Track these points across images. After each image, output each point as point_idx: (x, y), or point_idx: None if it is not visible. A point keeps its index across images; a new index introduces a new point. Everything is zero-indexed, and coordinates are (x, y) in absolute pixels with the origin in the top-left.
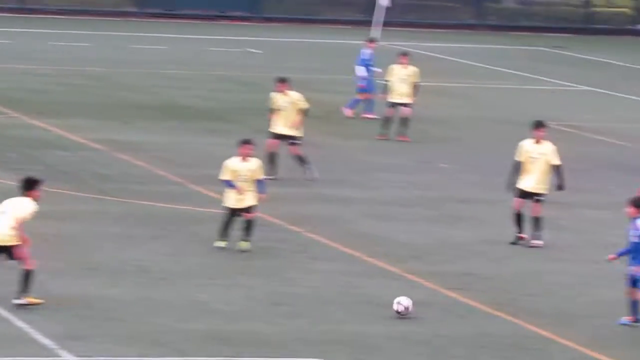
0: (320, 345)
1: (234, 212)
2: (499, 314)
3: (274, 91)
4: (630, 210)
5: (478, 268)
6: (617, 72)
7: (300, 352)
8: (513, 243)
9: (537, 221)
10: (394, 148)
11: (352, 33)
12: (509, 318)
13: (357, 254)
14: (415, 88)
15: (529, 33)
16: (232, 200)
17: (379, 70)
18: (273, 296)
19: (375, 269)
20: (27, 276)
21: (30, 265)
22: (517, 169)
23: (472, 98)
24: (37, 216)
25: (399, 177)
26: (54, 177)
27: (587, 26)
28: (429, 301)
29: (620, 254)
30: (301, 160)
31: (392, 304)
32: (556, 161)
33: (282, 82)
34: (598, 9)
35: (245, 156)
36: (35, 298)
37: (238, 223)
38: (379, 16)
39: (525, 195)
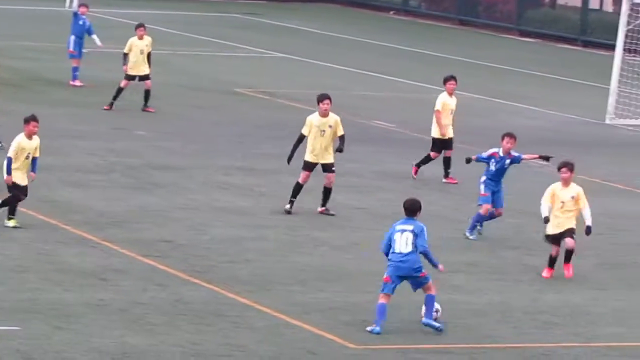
0: (17, 314)
1: None
2: (197, 281)
3: None
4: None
5: (175, 235)
6: (311, 39)
7: None
8: (288, 212)
9: (328, 192)
10: (91, 115)
11: None
12: (208, 285)
13: (54, 221)
14: (149, 58)
15: (223, 0)
16: None
17: (95, 37)
18: None
19: (73, 236)
20: None
21: None
22: (300, 141)
23: (168, 65)
24: None
25: (96, 145)
26: None
27: None
28: (126, 269)
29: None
30: None
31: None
32: (341, 132)
33: None
34: None
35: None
36: None
37: None
38: None
39: (313, 167)
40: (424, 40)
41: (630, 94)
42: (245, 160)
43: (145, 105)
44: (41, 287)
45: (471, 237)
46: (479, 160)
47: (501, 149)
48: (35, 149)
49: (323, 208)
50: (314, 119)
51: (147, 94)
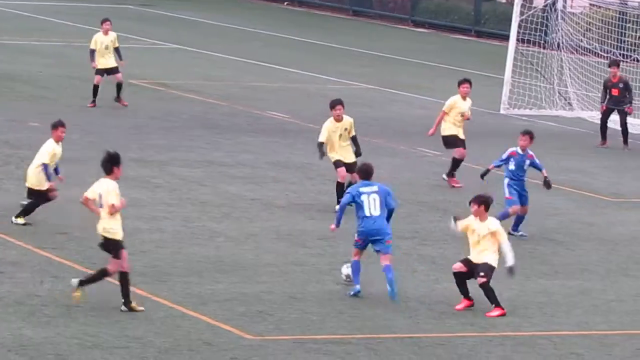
0: None
1: None
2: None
3: None
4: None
5: (71, 227)
6: (205, 29)
7: None
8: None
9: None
10: None
11: None
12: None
13: None
14: (117, 51)
15: None
16: None
17: None
18: None
19: None
20: None
21: None
22: (322, 145)
23: (62, 57)
24: None
25: None
26: None
27: None
28: (22, 261)
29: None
30: None
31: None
32: (353, 132)
33: None
34: None
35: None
36: None
37: None
38: None
39: (344, 162)
40: (317, 31)
41: (524, 84)
42: (139, 152)
43: (118, 97)
44: None
45: (519, 233)
46: (498, 166)
47: (519, 147)
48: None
49: None
50: (329, 125)
51: (119, 86)
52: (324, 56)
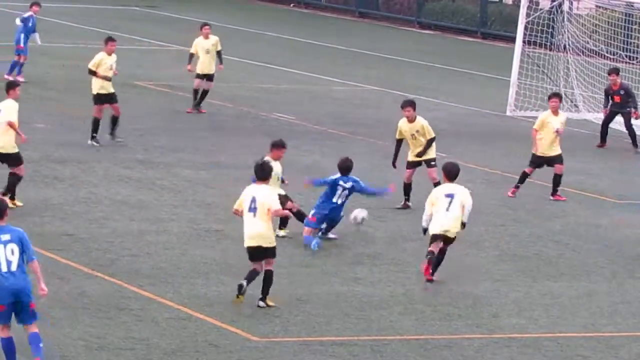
0: None
1: None
2: (99, 274)
3: None
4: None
5: (77, 228)
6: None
7: None
8: (400, 208)
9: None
10: None
11: None
12: (110, 279)
13: None
14: (219, 55)
15: None
16: None
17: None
18: None
19: None
20: None
21: None
22: (399, 144)
23: (68, 59)
24: None
25: None
26: None
27: None
28: None
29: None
30: None
31: None
32: (430, 135)
33: None
34: None
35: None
36: None
37: None
38: None
39: (416, 164)
40: (323, 32)
41: (530, 86)
42: (145, 154)
43: (199, 105)
44: None
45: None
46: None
47: None
48: None
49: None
50: (403, 124)
51: (204, 94)
52: (330, 58)
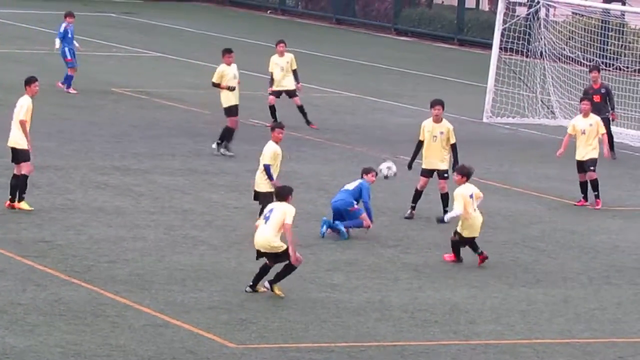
0: None
1: None
2: (75, 281)
3: None
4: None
5: (54, 235)
6: (187, 38)
7: None
8: (407, 218)
9: (444, 197)
10: None
11: None
12: (87, 285)
13: None
14: (295, 74)
15: None
16: None
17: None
18: None
19: None
20: None
21: None
22: (419, 147)
23: (44, 65)
24: None
25: None
26: None
27: None
28: (4, 269)
29: None
30: None
31: None
32: (453, 140)
33: None
34: None
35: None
36: None
37: None
38: None
39: (430, 173)
40: (300, 39)
41: (507, 93)
42: (122, 160)
43: (307, 120)
44: None
45: None
46: None
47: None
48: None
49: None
50: (427, 124)
51: (301, 109)
52: (307, 64)
